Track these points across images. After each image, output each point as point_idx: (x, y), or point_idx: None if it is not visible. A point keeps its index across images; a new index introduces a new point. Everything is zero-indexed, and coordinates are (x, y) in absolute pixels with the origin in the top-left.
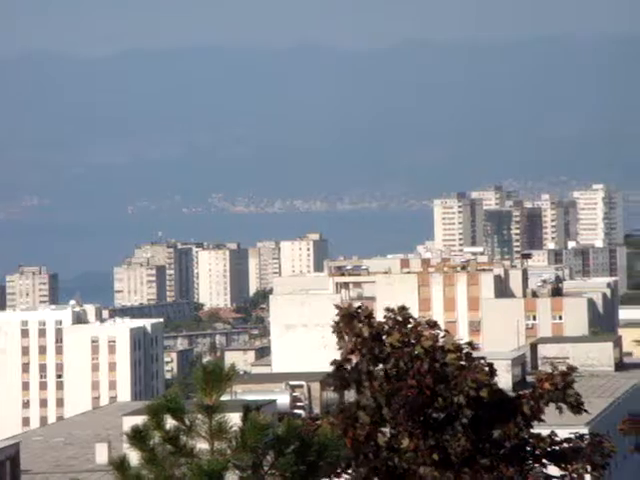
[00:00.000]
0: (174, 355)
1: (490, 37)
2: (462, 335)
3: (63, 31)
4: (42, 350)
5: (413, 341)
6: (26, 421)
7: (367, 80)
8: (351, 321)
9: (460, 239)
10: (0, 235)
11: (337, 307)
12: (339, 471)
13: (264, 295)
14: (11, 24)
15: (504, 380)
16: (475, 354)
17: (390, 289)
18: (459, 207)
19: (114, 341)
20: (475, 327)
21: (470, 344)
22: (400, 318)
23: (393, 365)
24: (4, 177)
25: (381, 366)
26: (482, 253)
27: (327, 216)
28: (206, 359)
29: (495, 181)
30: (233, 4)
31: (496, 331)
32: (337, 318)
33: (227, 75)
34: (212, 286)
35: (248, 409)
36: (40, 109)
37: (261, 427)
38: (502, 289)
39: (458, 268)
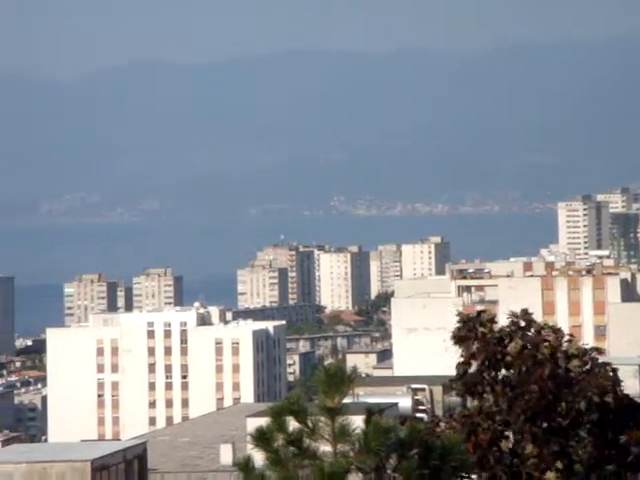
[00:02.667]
0: (296, 357)
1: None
2: (587, 340)
3: (181, 39)
4: (167, 351)
5: (536, 346)
6: (152, 421)
7: (475, 82)
8: (473, 326)
9: (585, 242)
10: (127, 238)
11: (459, 314)
12: (463, 476)
13: (385, 298)
14: (120, 32)
15: (631, 386)
16: (601, 359)
17: (513, 293)
18: (584, 210)
19: (237, 343)
20: (601, 332)
21: (595, 349)
22: (523, 322)
23: (515, 370)
24: (126, 181)
25: (503, 371)
26: (608, 257)
27: (449, 219)
28: (328, 362)
29: (621, 183)
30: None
31: (623, 336)
32: (458, 324)
33: (333, 78)
34: (334, 289)
35: (371, 412)
36: (161, 114)
37: (384, 430)
38: (629, 293)
39: (583, 272)
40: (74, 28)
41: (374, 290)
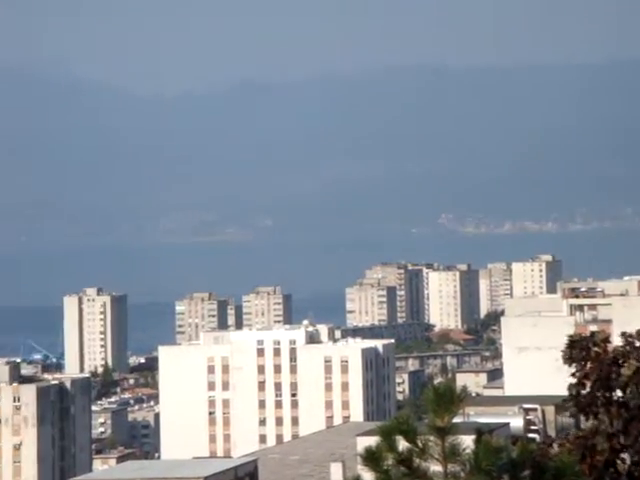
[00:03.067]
0: (405, 376)
1: None
2: None
3: (280, 57)
4: (277, 369)
5: None
6: (263, 438)
7: (592, 97)
8: (586, 346)
9: None
10: (238, 256)
11: (570, 337)
12: None
13: (495, 317)
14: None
15: None
16: None
17: (627, 312)
18: None
19: (346, 361)
20: None
21: None
22: (638, 343)
23: (631, 391)
24: (239, 199)
25: (619, 392)
26: None
27: (558, 237)
28: (437, 380)
29: None
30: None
31: None
32: (569, 344)
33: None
34: (443, 307)
35: (481, 432)
36: (271, 132)
37: (495, 450)
38: None
39: None
40: (192, 45)
41: (483, 309)
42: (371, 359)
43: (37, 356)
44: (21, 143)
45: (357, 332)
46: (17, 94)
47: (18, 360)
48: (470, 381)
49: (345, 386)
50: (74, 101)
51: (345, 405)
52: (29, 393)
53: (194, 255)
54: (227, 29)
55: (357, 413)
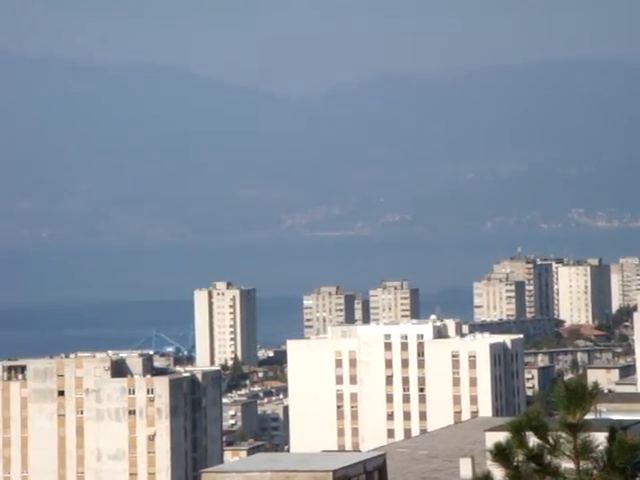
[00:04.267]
0: (535, 372)
1: None
2: None
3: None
4: (404, 363)
5: None
6: (391, 433)
7: None
8: None
9: None
10: (366, 250)
11: None
12: None
13: (628, 312)
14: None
15: None
16: None
17: None
18: None
19: (474, 356)
20: None
21: None
22: None
23: None
24: (368, 195)
25: None
26: None
27: None
28: (568, 376)
29: None
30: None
31: None
32: None
33: (584, 90)
34: (573, 302)
35: (614, 429)
36: (402, 128)
37: (629, 447)
38: None
39: None
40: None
41: (615, 304)
42: (499, 354)
43: (169, 349)
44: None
45: (485, 327)
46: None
47: (151, 353)
48: (602, 378)
49: (473, 381)
50: (224, 103)
51: (473, 400)
52: (162, 385)
53: (322, 249)
54: (366, 25)
55: (486, 408)
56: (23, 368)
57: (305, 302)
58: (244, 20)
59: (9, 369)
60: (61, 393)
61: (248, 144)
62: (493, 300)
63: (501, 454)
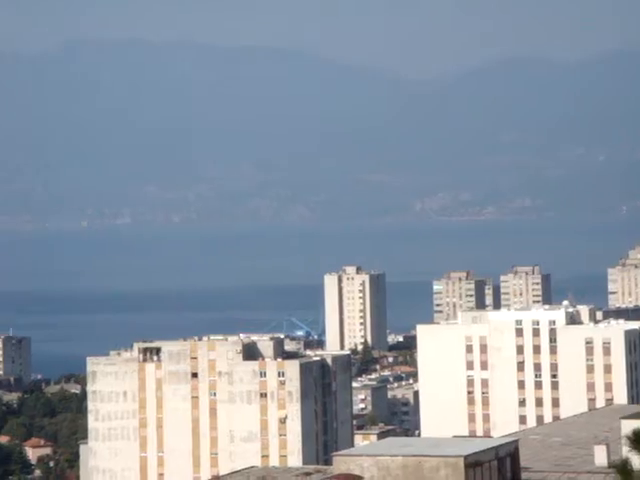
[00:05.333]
0: None
1: None
2: None
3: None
4: (536, 349)
5: None
6: (523, 419)
7: None
8: None
9: None
10: (496, 235)
11: None
12: None
13: None
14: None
15: None
16: None
17: None
18: None
19: (609, 343)
20: None
21: None
22: None
23: None
24: (498, 179)
25: None
26: None
27: None
28: None
29: None
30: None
31: None
32: None
33: None
34: None
35: None
36: (525, 113)
37: None
38: None
39: None
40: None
41: None
42: (635, 341)
43: (299, 333)
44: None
45: (620, 314)
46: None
47: (282, 336)
48: None
49: (608, 368)
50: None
51: (608, 387)
52: (293, 369)
53: (451, 234)
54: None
55: (621, 396)
56: (158, 350)
57: (435, 287)
58: (371, 3)
59: (144, 351)
60: (194, 375)
61: (379, 129)
62: (628, 286)
63: (639, 440)
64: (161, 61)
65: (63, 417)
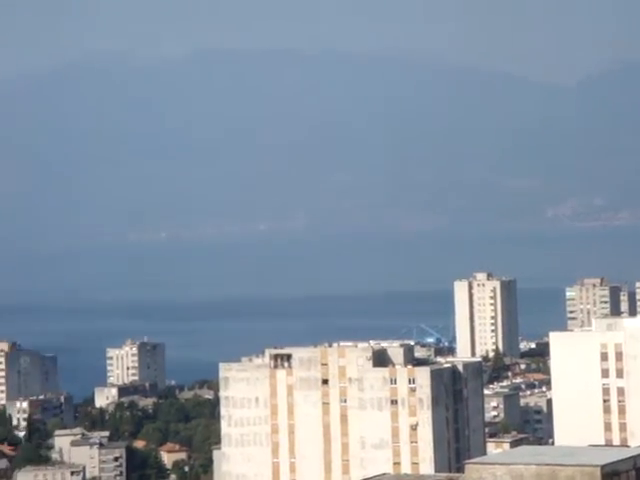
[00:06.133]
0: None
1: None
2: None
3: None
4: None
5: None
6: None
7: None
8: None
9: None
10: (629, 241)
11: None
12: None
13: None
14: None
15: None
16: None
17: None
18: None
19: None
20: None
21: None
22: None
23: None
24: (627, 184)
25: None
26: None
27: None
28: None
29: None
30: None
31: None
32: None
33: None
34: None
35: None
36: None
37: None
38: None
39: None
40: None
41: None
42: None
43: (430, 339)
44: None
45: None
46: (422, 79)
47: (412, 343)
48: None
49: None
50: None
51: None
52: (423, 375)
53: (585, 240)
54: None
55: None
56: (289, 357)
57: (568, 294)
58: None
59: (275, 357)
60: (325, 382)
61: (506, 135)
62: None
63: None
64: (311, 71)
65: (197, 422)
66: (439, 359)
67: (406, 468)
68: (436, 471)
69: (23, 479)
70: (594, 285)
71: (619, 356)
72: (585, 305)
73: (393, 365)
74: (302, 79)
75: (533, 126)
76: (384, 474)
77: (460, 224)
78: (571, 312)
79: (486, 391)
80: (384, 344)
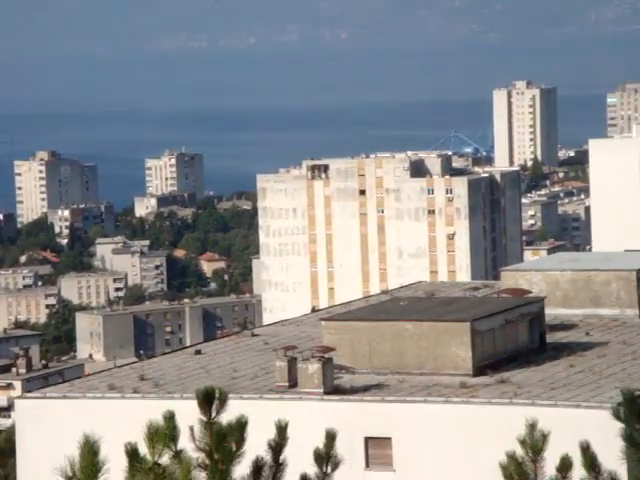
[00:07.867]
0: None
1: None
2: None
3: None
4: None
5: None
6: None
7: None
8: None
9: None
10: None
11: None
12: None
13: None
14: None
15: None
16: None
17: None
18: None
19: None
20: None
21: None
22: None
23: None
24: None
25: None
26: None
27: None
28: None
29: None
30: None
31: None
32: None
33: None
34: None
35: None
36: None
37: None
38: None
39: None
40: None
41: None
42: None
43: (467, 149)
44: None
45: None
46: None
47: (449, 153)
48: None
49: None
50: None
51: None
52: (461, 185)
53: (628, 44)
54: None
55: None
56: (326, 168)
57: (609, 100)
58: None
59: (313, 168)
60: (362, 192)
61: None
62: None
63: None
64: None
65: (235, 232)
66: (477, 169)
67: (443, 276)
68: (472, 279)
69: (67, 285)
70: (636, 90)
71: None
72: (626, 111)
73: (430, 175)
74: None
75: None
76: (420, 282)
77: (499, 31)
78: (612, 119)
79: (524, 200)
80: (421, 154)
